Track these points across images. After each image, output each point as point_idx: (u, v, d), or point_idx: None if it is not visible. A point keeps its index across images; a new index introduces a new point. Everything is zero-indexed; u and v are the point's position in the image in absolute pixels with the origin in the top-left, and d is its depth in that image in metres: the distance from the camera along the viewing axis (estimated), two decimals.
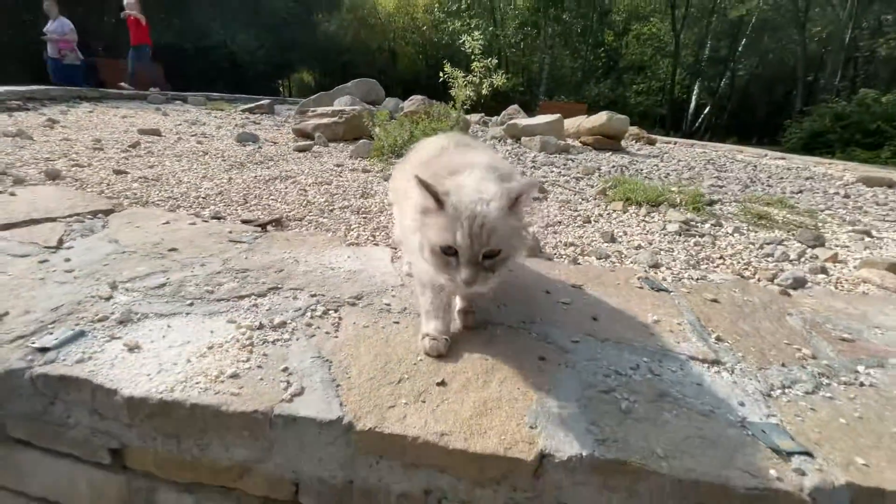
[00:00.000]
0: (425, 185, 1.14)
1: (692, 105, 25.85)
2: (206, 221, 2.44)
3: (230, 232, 2.27)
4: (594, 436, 1.10)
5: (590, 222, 3.15)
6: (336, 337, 1.42)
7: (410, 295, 1.73)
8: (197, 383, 1.16)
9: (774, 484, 1.04)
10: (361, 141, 5.64)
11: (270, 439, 1.10)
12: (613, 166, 5.27)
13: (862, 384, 1.44)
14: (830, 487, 1.04)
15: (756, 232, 3.26)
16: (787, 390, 1.37)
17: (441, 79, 6.37)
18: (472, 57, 6.28)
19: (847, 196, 5.10)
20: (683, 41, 23.71)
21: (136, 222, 2.30)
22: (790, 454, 1.11)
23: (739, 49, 23.84)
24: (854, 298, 2.17)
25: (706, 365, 1.46)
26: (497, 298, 1.72)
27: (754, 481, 1.04)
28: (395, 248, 2.19)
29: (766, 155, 9.00)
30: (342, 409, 1.11)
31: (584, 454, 1.04)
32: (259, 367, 1.24)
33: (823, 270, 2.59)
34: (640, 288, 2.03)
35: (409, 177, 1.26)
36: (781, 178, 5.93)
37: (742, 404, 1.28)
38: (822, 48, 22.95)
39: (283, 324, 1.47)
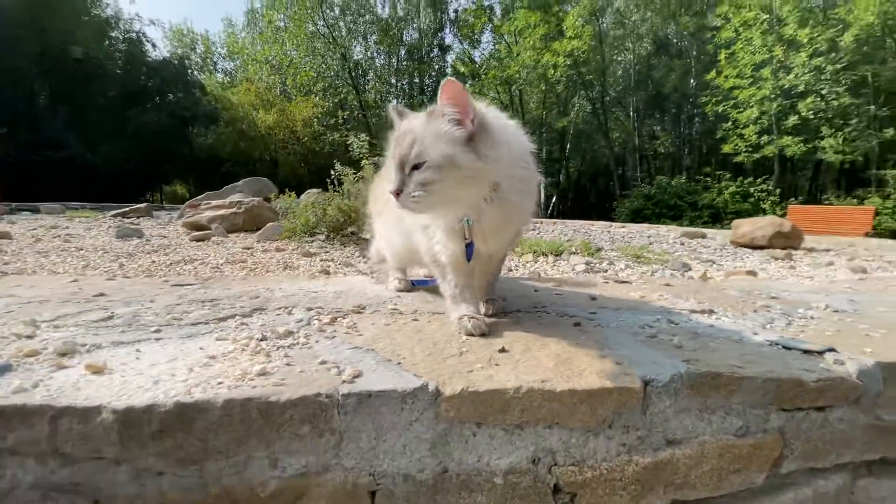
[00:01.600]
0: None
1: (542, 196, 29.94)
2: (127, 277, 1.97)
3: (165, 281, 1.86)
4: (677, 359, 1.03)
5: (512, 270, 3.31)
6: (361, 335, 1.18)
7: (412, 301, 1.56)
8: (220, 383, 0.84)
9: (831, 373, 1.07)
10: (269, 225, 5.31)
11: (339, 431, 0.82)
12: None
13: (812, 317, 1.63)
14: (867, 368, 1.11)
15: (640, 266, 3.83)
16: (773, 323, 1.48)
17: (330, 178, 6.43)
18: (361, 156, 6.51)
19: (682, 244, 6.32)
20: None
21: (28, 284, 1.76)
22: (821, 352, 1.17)
23: (567, 152, 28.79)
24: (755, 280, 2.52)
25: (705, 314, 1.52)
26: (499, 293, 1.62)
27: (815, 374, 1.05)
28: (371, 273, 1.99)
29: (612, 225, 10.62)
30: (418, 379, 0.89)
31: (682, 372, 0.97)
32: (288, 364, 0.96)
33: (705, 278, 3.02)
34: (606, 282, 2.11)
35: None
36: (632, 237, 7.05)
37: (755, 333, 1.34)
38: (622, 149, 28.90)
39: (290, 333, 1.18)
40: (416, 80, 24.35)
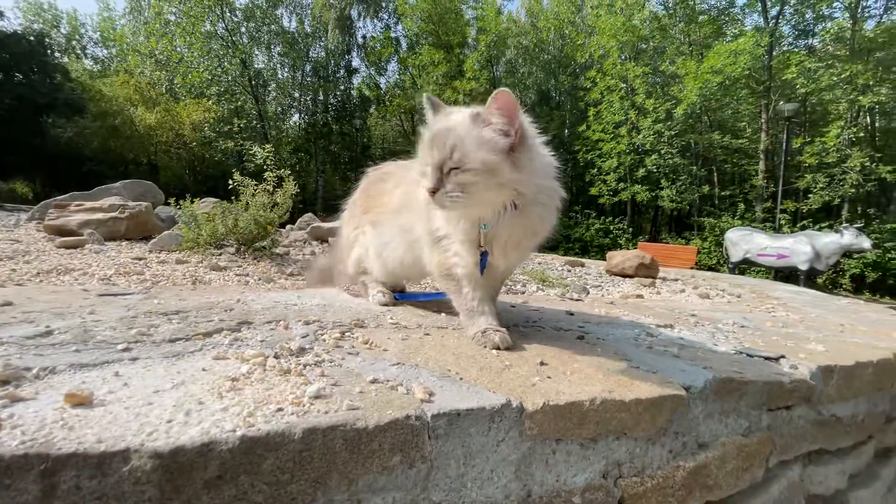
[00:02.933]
0: None
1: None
2: (19, 285, 1.51)
3: (85, 290, 1.45)
4: (698, 367, 1.09)
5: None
6: (385, 350, 1.04)
7: (407, 316, 1.43)
8: (279, 410, 0.65)
9: (795, 376, 1.23)
10: (164, 234, 4.54)
11: (430, 459, 0.69)
12: None
13: (733, 331, 1.87)
14: (814, 371, 1.30)
15: (550, 288, 4.06)
16: (715, 336, 1.66)
17: (231, 187, 5.84)
18: (265, 166, 6.03)
19: (569, 270, 6.99)
20: None
21: None
22: (776, 359, 1.35)
23: None
24: (663, 301, 2.85)
25: (668, 328, 1.66)
26: None
27: (787, 378, 1.20)
28: (349, 287, 1.78)
29: None
30: (497, 396, 0.80)
31: (710, 378, 1.02)
32: (336, 384, 0.79)
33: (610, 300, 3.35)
34: (562, 300, 2.19)
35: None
36: (525, 265, 7.60)
37: (716, 344, 1.49)
38: None
39: (303, 349, 0.98)
40: (321, 97, 23.54)
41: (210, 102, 18.76)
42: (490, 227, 1.15)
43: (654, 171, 19.72)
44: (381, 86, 26.14)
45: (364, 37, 24.67)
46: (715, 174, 20.47)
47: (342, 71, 23.79)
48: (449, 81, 22.63)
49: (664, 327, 1.66)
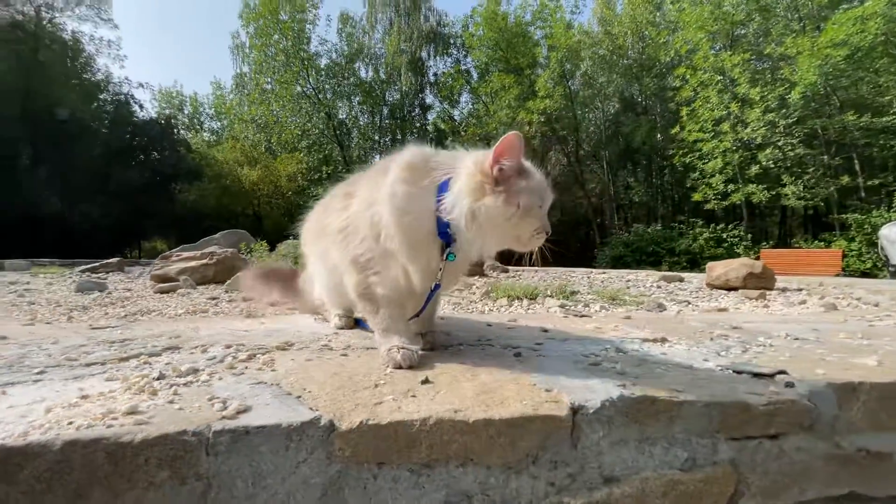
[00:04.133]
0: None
1: None
2: (48, 324, 1.82)
3: (90, 326, 1.71)
4: (613, 383, 0.94)
5: (484, 312, 3.22)
6: (274, 371, 1.06)
7: (349, 338, 1.44)
8: (71, 424, 0.71)
9: (780, 396, 0.98)
10: (238, 274, 5.15)
11: (207, 477, 0.69)
12: (484, 283, 5.67)
13: (770, 344, 1.55)
14: (818, 389, 1.02)
15: (616, 307, 3.76)
16: (728, 351, 1.40)
17: None
18: None
19: (659, 287, 6.36)
20: None
21: None
22: (771, 375, 1.09)
23: None
24: (718, 314, 2.47)
25: (658, 343, 1.44)
26: (445, 327, 1.53)
27: (764, 398, 0.97)
28: (316, 314, 1.86)
29: (592, 271, 10.70)
30: (314, 412, 0.77)
31: (614, 396, 0.87)
32: (171, 402, 0.83)
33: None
34: (565, 317, 2.02)
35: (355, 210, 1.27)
36: (611, 281, 7.09)
37: (706, 360, 1.25)
38: (599, 199, 29.85)
39: (195, 370, 1.05)
40: (399, 136, 25.24)
41: (301, 155, 21.22)
42: (455, 258, 1.19)
43: (772, 166, 17.43)
44: (456, 118, 27.21)
45: (435, 74, 26.11)
46: (855, 161, 17.37)
47: (416, 109, 25.31)
48: (522, 103, 22.79)
49: (654, 342, 1.45)
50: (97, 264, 8.49)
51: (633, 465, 0.87)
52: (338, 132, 22.69)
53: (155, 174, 19.22)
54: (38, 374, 1.02)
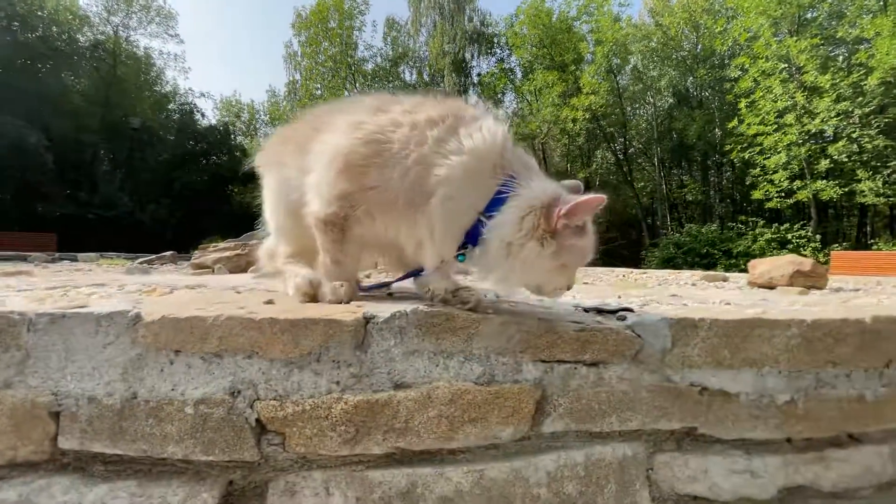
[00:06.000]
0: None
1: None
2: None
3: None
4: (423, 304, 1.00)
5: None
6: (161, 297, 1.22)
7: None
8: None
9: (600, 325, 1.00)
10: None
11: (26, 348, 0.84)
12: None
13: (684, 305, 1.52)
14: (645, 321, 1.02)
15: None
16: (618, 301, 1.40)
17: None
18: None
19: (694, 284, 6.04)
20: None
21: None
22: (614, 311, 1.11)
23: None
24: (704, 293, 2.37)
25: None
26: None
27: (578, 326, 0.99)
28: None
29: (633, 271, 10.31)
30: (133, 308, 0.91)
31: (409, 310, 0.94)
32: (54, 301, 1.00)
33: None
34: None
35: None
36: (646, 278, 6.82)
37: (578, 304, 1.27)
38: (650, 199, 28.56)
39: (96, 292, 1.23)
40: None
41: None
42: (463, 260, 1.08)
43: (845, 160, 15.93)
44: (500, 117, 27.13)
45: (479, 74, 26.22)
46: None
47: None
48: (566, 100, 22.35)
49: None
50: (153, 257, 9.38)
51: (426, 374, 0.93)
52: None
53: (214, 177, 20.87)
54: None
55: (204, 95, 23.96)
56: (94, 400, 0.84)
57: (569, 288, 1.07)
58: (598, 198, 0.94)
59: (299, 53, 23.63)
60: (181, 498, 0.83)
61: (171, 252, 10.87)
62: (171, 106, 22.89)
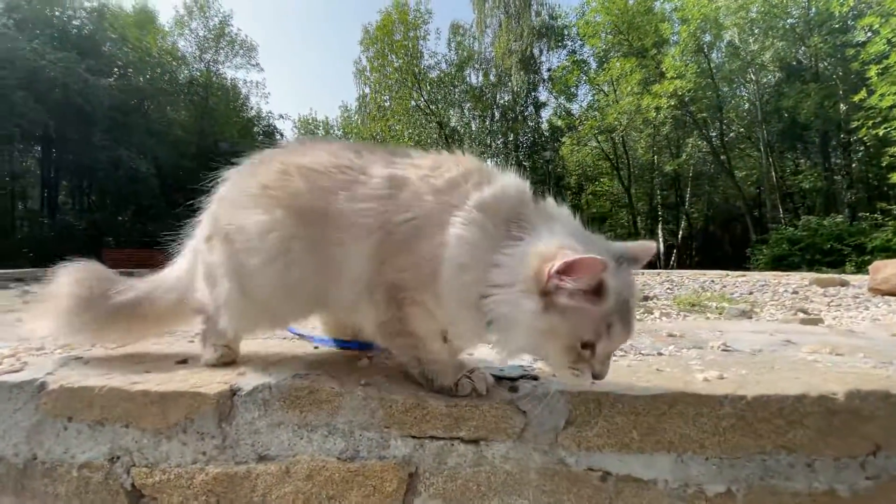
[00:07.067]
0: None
1: (661, 246, 27.45)
2: None
3: None
4: (293, 374, 1.02)
5: None
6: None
7: None
8: None
9: (471, 400, 0.94)
10: None
11: None
12: None
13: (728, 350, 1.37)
14: (541, 393, 0.94)
15: (690, 315, 3.30)
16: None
17: None
18: None
19: (795, 292, 5.27)
20: (635, 194, 26.56)
21: None
22: (514, 379, 1.03)
23: (685, 197, 26.50)
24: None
25: None
26: None
27: (451, 400, 0.94)
28: None
29: (728, 274, 9.30)
30: (39, 377, 1.04)
31: (272, 382, 0.96)
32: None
33: None
34: None
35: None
36: (737, 286, 6.13)
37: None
38: (757, 189, 25.62)
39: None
40: (511, 138, 25.33)
41: None
42: None
43: None
44: (574, 112, 26.22)
45: (549, 69, 25.61)
46: None
47: (529, 108, 25.12)
48: (647, 88, 20.96)
49: None
50: None
51: (289, 447, 0.95)
52: (449, 140, 23.79)
53: None
54: None
55: (283, 117, 26.64)
56: (3, 459, 0.99)
57: (596, 376, 0.87)
58: (592, 259, 0.79)
59: (367, 68, 24.92)
60: None
61: None
62: (255, 129, 25.44)
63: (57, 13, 17.44)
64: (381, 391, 0.96)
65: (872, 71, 15.71)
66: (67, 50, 16.20)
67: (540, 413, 0.94)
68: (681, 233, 28.08)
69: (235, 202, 1.13)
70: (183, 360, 1.18)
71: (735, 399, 0.92)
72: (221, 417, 0.95)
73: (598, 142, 25.18)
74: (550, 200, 1.02)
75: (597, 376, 0.86)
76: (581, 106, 26.41)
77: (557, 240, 0.87)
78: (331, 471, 0.92)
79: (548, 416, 0.94)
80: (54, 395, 0.99)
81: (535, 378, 1.04)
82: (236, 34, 23.71)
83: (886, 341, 1.55)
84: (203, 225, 1.23)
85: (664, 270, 11.60)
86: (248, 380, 0.99)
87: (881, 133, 15.88)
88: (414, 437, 0.94)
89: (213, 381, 1.00)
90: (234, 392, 0.96)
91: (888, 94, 15.36)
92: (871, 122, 16.15)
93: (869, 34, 16.04)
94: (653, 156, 25.11)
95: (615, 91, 23.39)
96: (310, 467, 0.93)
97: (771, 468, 0.93)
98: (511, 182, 1.01)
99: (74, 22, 18.28)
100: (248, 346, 1.27)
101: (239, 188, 1.17)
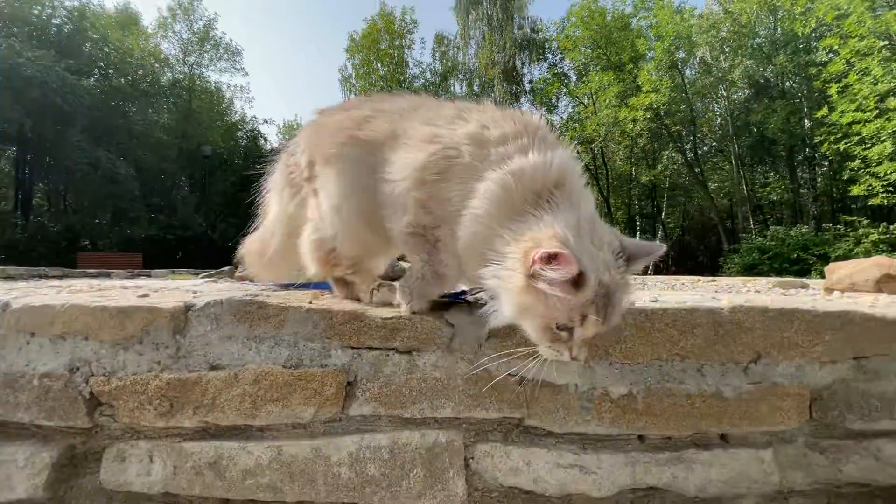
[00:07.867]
0: None
1: None
2: None
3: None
4: (244, 294, 1.11)
5: None
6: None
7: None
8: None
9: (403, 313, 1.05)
10: None
11: None
12: None
13: None
14: (469, 310, 1.05)
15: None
16: None
17: None
18: None
19: (758, 291, 5.51)
20: (613, 203, 27.15)
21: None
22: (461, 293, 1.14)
23: (661, 207, 27.18)
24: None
25: None
26: None
27: (390, 314, 1.04)
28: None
29: (699, 279, 9.59)
30: (5, 298, 1.11)
31: (224, 298, 1.05)
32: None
33: None
34: None
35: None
36: (706, 288, 6.35)
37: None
38: (728, 200, 26.44)
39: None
40: None
41: None
42: None
43: None
44: (555, 123, 26.74)
45: (530, 81, 26.11)
46: None
47: None
48: (623, 100, 21.56)
49: None
50: (213, 271, 10.37)
51: (239, 357, 1.04)
52: None
53: None
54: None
55: (267, 122, 26.47)
56: None
57: (573, 358, 0.91)
58: (570, 256, 0.82)
59: (353, 76, 25.03)
60: (27, 455, 1.01)
61: (230, 267, 11.88)
62: (239, 133, 25.25)
63: (35, 11, 17.12)
64: (324, 307, 1.05)
65: (833, 89, 16.50)
66: (46, 48, 15.93)
67: (466, 325, 1.04)
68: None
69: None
70: (144, 295, 1.26)
71: (635, 311, 1.04)
72: (176, 330, 1.04)
73: (578, 152, 25.65)
74: (583, 186, 1.06)
75: (573, 358, 0.91)
76: (561, 117, 26.94)
77: (554, 228, 0.89)
78: (276, 376, 1.01)
79: (472, 329, 1.05)
80: (17, 313, 1.06)
81: (465, 300, 1.15)
82: (221, 38, 23.64)
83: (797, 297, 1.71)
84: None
85: (640, 276, 11.92)
86: (203, 298, 1.07)
87: (842, 148, 16.63)
88: (353, 347, 1.04)
89: (170, 301, 1.08)
90: (188, 308, 1.05)
91: (847, 112, 16.13)
92: (832, 138, 16.94)
93: (830, 54, 16.84)
94: (630, 167, 25.76)
95: (594, 103, 23.98)
96: (256, 373, 1.01)
97: (667, 373, 1.05)
98: (556, 157, 1.01)
99: (54, 21, 17.97)
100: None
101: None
